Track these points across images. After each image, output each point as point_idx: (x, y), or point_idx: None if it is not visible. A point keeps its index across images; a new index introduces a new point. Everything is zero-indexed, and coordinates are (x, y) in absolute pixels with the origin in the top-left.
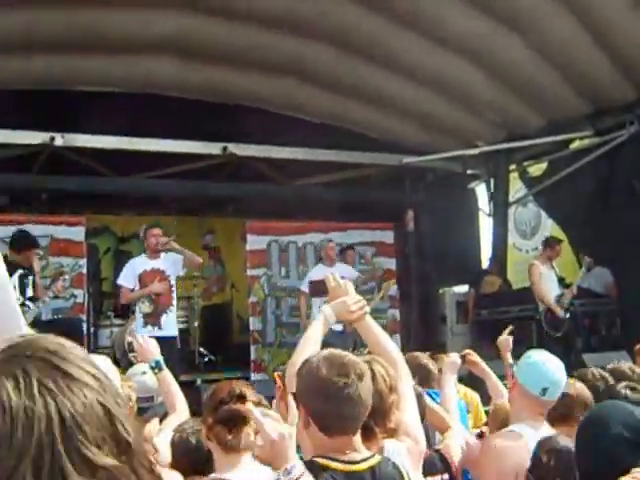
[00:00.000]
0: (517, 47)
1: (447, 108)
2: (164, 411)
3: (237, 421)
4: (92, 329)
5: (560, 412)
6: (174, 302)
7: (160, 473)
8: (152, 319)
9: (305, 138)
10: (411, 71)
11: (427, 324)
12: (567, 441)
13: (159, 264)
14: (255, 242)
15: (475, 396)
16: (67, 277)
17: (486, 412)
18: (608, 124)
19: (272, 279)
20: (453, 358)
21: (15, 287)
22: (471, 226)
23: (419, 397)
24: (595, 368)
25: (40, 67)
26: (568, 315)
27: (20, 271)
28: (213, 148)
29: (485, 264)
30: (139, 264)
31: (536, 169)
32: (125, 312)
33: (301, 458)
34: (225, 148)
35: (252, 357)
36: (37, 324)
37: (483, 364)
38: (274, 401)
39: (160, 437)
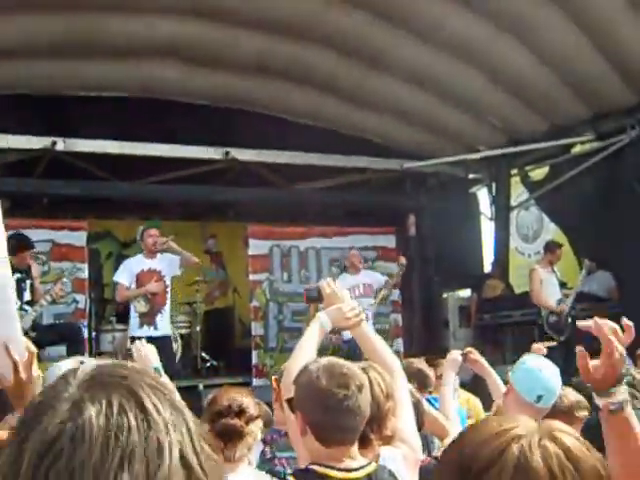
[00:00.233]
0: (518, 52)
1: (449, 113)
2: None
3: (232, 436)
4: (94, 334)
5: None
6: (168, 302)
7: None
8: (148, 319)
9: (307, 143)
10: (412, 76)
11: (430, 328)
12: None
13: (156, 264)
14: (257, 247)
15: (477, 402)
16: (66, 281)
17: None
18: (609, 128)
19: (274, 284)
20: (454, 355)
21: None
22: (473, 230)
23: (417, 404)
24: None
25: (42, 72)
26: (570, 319)
27: (17, 275)
28: (215, 153)
29: (487, 268)
30: (136, 264)
31: (538, 173)
32: (127, 317)
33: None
34: (227, 153)
35: (254, 362)
36: (37, 328)
37: (484, 362)
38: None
39: None
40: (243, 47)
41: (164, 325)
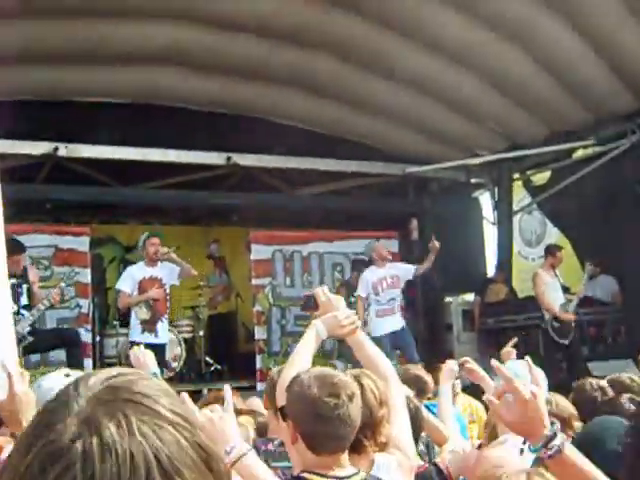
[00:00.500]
0: (519, 58)
1: (451, 118)
2: None
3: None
4: (97, 338)
5: None
6: (167, 310)
7: None
8: (149, 326)
9: (309, 148)
10: (414, 81)
11: (433, 333)
12: None
13: (156, 272)
14: (260, 252)
15: (479, 406)
16: (63, 285)
17: None
18: (610, 133)
19: (277, 288)
20: (450, 365)
21: None
22: (476, 235)
23: (417, 411)
24: (593, 379)
25: (44, 78)
26: (574, 324)
27: (12, 280)
28: (217, 158)
29: (490, 273)
30: (138, 271)
31: (540, 178)
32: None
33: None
34: (229, 158)
35: (258, 366)
36: (35, 333)
37: (481, 371)
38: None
39: None
40: (244, 53)
41: (164, 333)
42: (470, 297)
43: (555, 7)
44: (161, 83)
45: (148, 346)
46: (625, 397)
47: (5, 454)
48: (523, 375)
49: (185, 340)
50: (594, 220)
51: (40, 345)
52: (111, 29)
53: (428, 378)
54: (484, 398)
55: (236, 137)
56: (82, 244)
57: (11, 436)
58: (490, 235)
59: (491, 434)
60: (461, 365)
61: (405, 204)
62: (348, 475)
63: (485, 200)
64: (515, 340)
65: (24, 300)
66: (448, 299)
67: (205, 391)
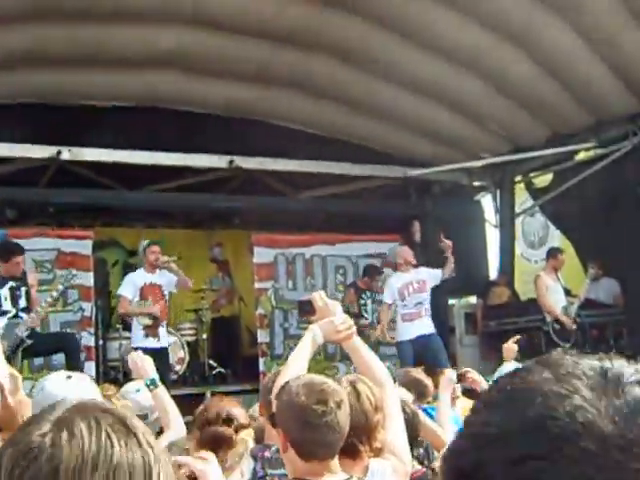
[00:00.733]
0: (521, 61)
1: (452, 121)
2: (159, 428)
3: (222, 444)
4: (100, 342)
5: None
6: (167, 316)
7: None
8: (152, 331)
9: (311, 151)
10: (416, 84)
11: None
12: None
13: (156, 279)
14: (262, 255)
15: None
16: (61, 287)
17: None
18: (612, 135)
19: (279, 292)
20: (449, 375)
21: (7, 299)
22: (478, 237)
23: (414, 416)
24: None
25: (47, 82)
26: (575, 326)
27: (11, 283)
28: (219, 161)
29: (493, 275)
30: (139, 278)
31: (542, 180)
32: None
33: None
34: (231, 161)
35: (261, 369)
36: (34, 335)
37: (482, 380)
38: None
39: None
40: (246, 56)
41: (165, 337)
42: (472, 300)
43: (557, 9)
44: (164, 86)
45: (153, 351)
46: None
47: None
48: None
49: (188, 343)
50: (596, 222)
51: (39, 349)
52: (114, 33)
53: (428, 382)
54: None
55: (238, 140)
56: (85, 247)
57: None
58: (492, 238)
59: None
60: (462, 375)
61: (407, 207)
62: None
63: (487, 203)
64: (517, 337)
65: (22, 303)
66: (451, 302)
67: (208, 394)
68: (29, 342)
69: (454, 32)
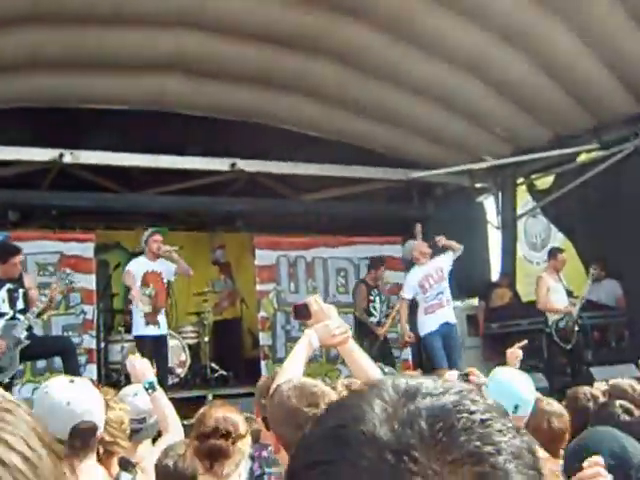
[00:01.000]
0: (523, 63)
1: (454, 123)
2: (157, 431)
3: (219, 456)
4: (102, 344)
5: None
6: (167, 303)
7: None
8: (152, 318)
9: (313, 154)
10: (418, 87)
11: None
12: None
13: (157, 267)
14: (264, 257)
15: None
16: (55, 286)
17: None
18: (613, 137)
19: (281, 294)
20: (449, 378)
21: (4, 301)
22: (480, 239)
23: None
24: (587, 387)
25: (49, 85)
26: (577, 328)
27: (9, 285)
28: (221, 164)
29: (495, 277)
30: (141, 265)
31: (543, 182)
32: None
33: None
34: (233, 164)
35: (263, 372)
36: (32, 337)
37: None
38: None
39: (151, 458)
40: (248, 59)
41: (164, 324)
42: (475, 302)
43: (558, 12)
44: (166, 89)
45: (154, 339)
46: (617, 404)
47: None
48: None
49: (190, 346)
50: (598, 224)
51: (36, 352)
52: (116, 36)
53: None
54: None
55: (241, 143)
56: (87, 250)
57: None
58: (494, 239)
59: None
60: (467, 375)
61: (409, 209)
62: None
63: (489, 204)
64: (524, 342)
65: (20, 305)
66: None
67: (210, 397)
68: (27, 342)
69: (456, 35)
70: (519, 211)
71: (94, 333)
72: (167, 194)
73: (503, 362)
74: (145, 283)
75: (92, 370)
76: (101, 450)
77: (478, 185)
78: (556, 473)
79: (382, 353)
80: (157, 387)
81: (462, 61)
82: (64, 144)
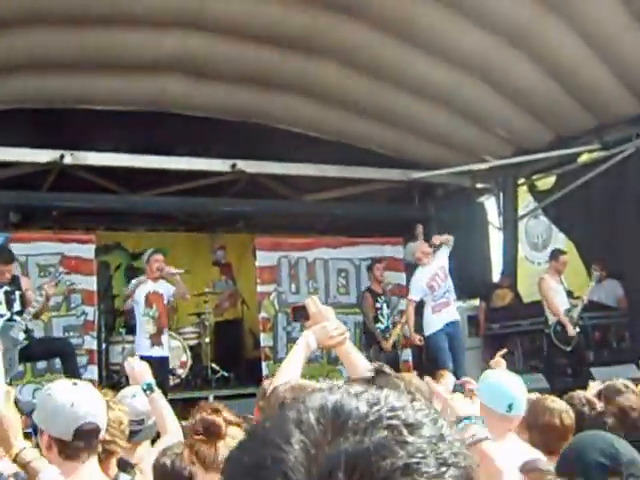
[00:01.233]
0: (524, 63)
1: (455, 124)
2: (156, 433)
3: (212, 432)
4: (104, 346)
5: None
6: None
7: None
8: (156, 339)
9: (314, 154)
10: (419, 87)
11: None
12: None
13: (158, 287)
14: (265, 258)
15: None
16: (49, 286)
17: None
18: (614, 137)
19: (282, 295)
20: (444, 386)
21: (1, 303)
22: (481, 240)
23: None
24: (582, 392)
25: (50, 86)
26: (578, 329)
27: (6, 287)
28: (222, 165)
29: (496, 278)
30: (144, 285)
31: (545, 183)
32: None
33: None
34: (234, 165)
35: (264, 373)
36: (30, 338)
37: None
38: None
39: (150, 460)
40: (250, 60)
41: (167, 344)
42: (476, 302)
43: (559, 13)
44: (166, 90)
45: (159, 360)
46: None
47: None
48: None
49: (191, 347)
50: (599, 224)
51: (35, 353)
52: (118, 37)
53: (424, 386)
54: None
55: (241, 144)
56: (88, 251)
57: None
58: (495, 240)
59: None
60: (462, 385)
61: (410, 210)
62: None
63: (490, 205)
64: (504, 351)
65: (17, 306)
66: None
67: (211, 398)
68: (25, 343)
69: (457, 35)
70: (520, 212)
71: (95, 334)
72: (168, 195)
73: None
74: (148, 304)
75: (93, 371)
76: (100, 450)
77: (479, 186)
78: None
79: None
80: (155, 389)
81: (463, 61)
82: (65, 145)
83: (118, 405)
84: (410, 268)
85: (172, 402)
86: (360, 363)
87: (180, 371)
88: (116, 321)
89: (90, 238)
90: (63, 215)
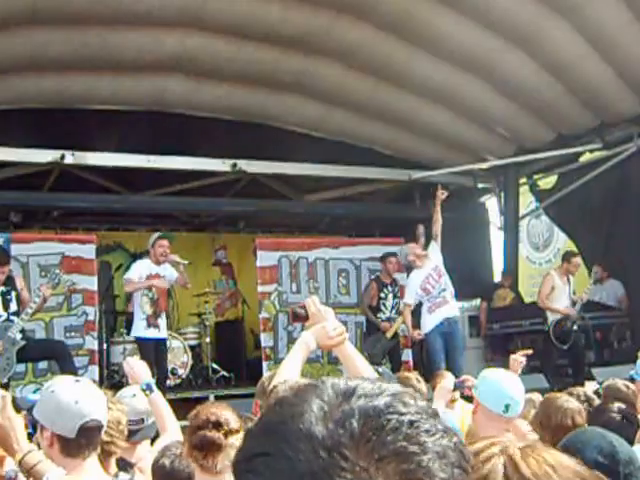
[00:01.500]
0: (525, 63)
1: (457, 123)
2: (155, 432)
3: (210, 448)
4: (104, 346)
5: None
6: (167, 307)
7: None
8: (153, 321)
9: (315, 154)
10: (420, 87)
11: None
12: None
13: (160, 271)
14: (265, 258)
15: None
16: (47, 287)
17: None
18: (616, 137)
19: (283, 295)
20: (444, 384)
21: None
22: (482, 240)
23: None
24: (581, 389)
25: (51, 86)
26: (576, 327)
27: (1, 288)
28: (223, 165)
29: (497, 278)
30: (145, 267)
31: (546, 182)
32: None
33: None
34: (235, 165)
35: (264, 373)
36: (27, 339)
37: None
38: None
39: (149, 459)
40: (251, 60)
41: (164, 327)
42: (476, 302)
43: (561, 12)
44: (168, 90)
45: (155, 341)
46: (615, 407)
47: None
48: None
49: (192, 347)
50: (601, 224)
51: (30, 354)
52: (119, 37)
53: (422, 386)
54: None
55: (242, 144)
56: (89, 252)
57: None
58: (497, 240)
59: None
60: (462, 382)
61: (411, 210)
62: None
63: (492, 205)
64: (529, 351)
65: (14, 306)
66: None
67: (212, 398)
68: (23, 343)
69: (459, 35)
70: (522, 211)
71: (96, 334)
72: (169, 195)
73: (505, 363)
74: (148, 286)
75: (94, 371)
76: (99, 451)
77: (481, 185)
78: None
79: (390, 350)
80: (154, 389)
81: (465, 61)
82: (66, 145)
83: (117, 405)
84: (410, 269)
85: (172, 402)
86: (359, 363)
87: (181, 371)
88: (117, 321)
89: (91, 238)
90: (64, 215)
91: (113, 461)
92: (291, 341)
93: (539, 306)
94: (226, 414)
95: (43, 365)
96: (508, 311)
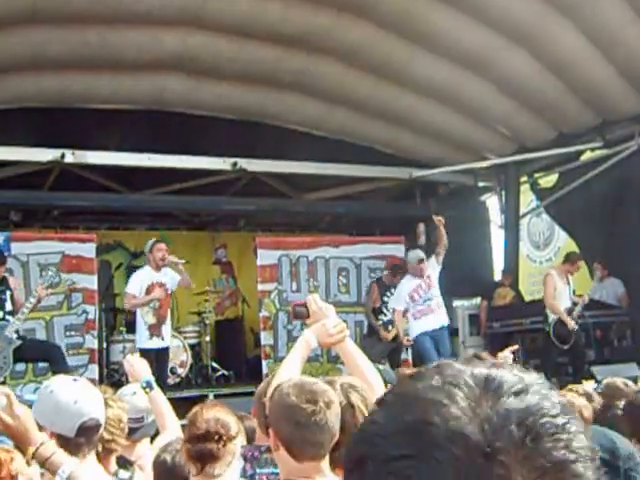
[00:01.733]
0: (526, 61)
1: (458, 122)
2: (155, 430)
3: (209, 460)
4: (104, 345)
5: None
6: (169, 314)
7: None
8: (156, 330)
9: (315, 153)
10: (421, 85)
11: None
12: None
13: (161, 277)
14: (266, 257)
15: None
16: (42, 287)
17: None
18: (617, 135)
19: (283, 294)
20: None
21: None
22: (483, 238)
23: None
24: (580, 387)
25: (51, 85)
26: (577, 327)
27: None
28: (223, 164)
29: (497, 276)
30: (146, 276)
31: (547, 180)
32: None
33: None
34: (235, 164)
35: (264, 371)
36: (22, 338)
37: None
38: None
39: (149, 457)
40: (252, 59)
41: (167, 335)
42: (477, 301)
43: (562, 10)
44: (168, 89)
45: (158, 351)
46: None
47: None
48: None
49: (191, 346)
50: (601, 222)
51: (25, 354)
52: (119, 36)
53: None
54: None
55: (242, 142)
56: (89, 250)
57: (16, 448)
58: (497, 239)
59: None
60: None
61: (412, 208)
62: None
63: (492, 203)
64: (515, 347)
65: (8, 306)
66: (455, 303)
67: (211, 396)
68: (18, 343)
69: (460, 34)
70: (522, 210)
71: (96, 333)
72: (169, 194)
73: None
74: (149, 294)
75: (94, 370)
76: (99, 448)
77: (481, 184)
78: None
79: (389, 350)
80: (154, 386)
81: (466, 59)
82: (66, 144)
83: (117, 402)
84: (405, 272)
85: (172, 401)
86: (360, 361)
87: (180, 370)
88: (117, 320)
89: (91, 237)
90: (64, 214)
91: (113, 459)
92: (291, 340)
93: (544, 306)
94: (224, 421)
95: (43, 364)
96: (508, 310)
